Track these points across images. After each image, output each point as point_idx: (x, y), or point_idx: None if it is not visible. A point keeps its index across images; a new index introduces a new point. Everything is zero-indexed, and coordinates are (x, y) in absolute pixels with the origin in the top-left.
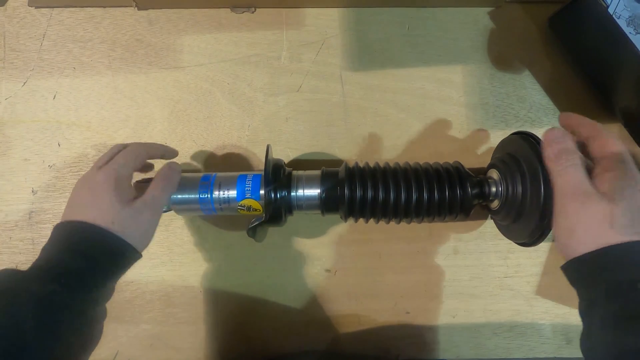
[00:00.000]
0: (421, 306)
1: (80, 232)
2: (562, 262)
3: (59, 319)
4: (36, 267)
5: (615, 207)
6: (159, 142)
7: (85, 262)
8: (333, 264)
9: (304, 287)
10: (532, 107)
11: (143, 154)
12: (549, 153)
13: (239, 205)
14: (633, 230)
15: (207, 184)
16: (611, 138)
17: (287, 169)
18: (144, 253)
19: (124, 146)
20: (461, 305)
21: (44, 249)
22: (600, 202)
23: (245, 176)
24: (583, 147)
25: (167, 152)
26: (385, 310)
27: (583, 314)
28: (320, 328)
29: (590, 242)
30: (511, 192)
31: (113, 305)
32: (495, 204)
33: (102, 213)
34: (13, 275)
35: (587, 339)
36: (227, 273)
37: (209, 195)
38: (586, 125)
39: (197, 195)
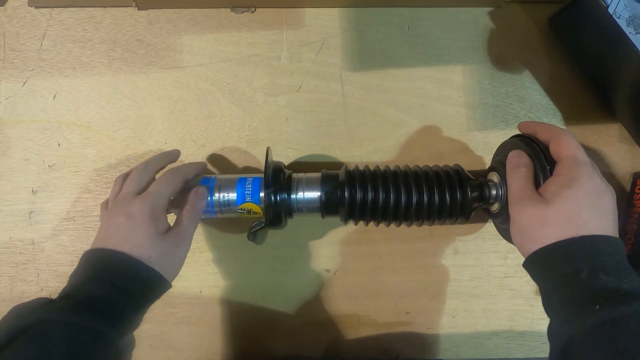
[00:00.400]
0: (421, 306)
1: (116, 263)
2: None
3: (91, 350)
4: (69, 295)
5: (548, 209)
6: (159, 142)
7: (120, 294)
8: (333, 264)
9: (303, 287)
10: (532, 107)
11: (179, 183)
12: (507, 170)
13: (239, 209)
14: (569, 227)
15: (207, 187)
16: (566, 141)
17: (287, 172)
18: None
19: (152, 165)
20: (461, 305)
21: (75, 275)
22: (537, 204)
23: (245, 179)
24: None
25: (200, 170)
26: (385, 310)
27: (544, 305)
28: (320, 328)
29: (535, 241)
30: None
31: None
32: (495, 207)
33: (140, 245)
34: (46, 304)
35: (550, 326)
36: (226, 273)
37: (208, 199)
38: (542, 130)
39: None
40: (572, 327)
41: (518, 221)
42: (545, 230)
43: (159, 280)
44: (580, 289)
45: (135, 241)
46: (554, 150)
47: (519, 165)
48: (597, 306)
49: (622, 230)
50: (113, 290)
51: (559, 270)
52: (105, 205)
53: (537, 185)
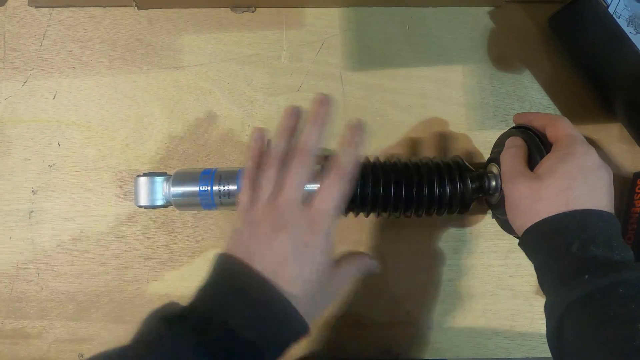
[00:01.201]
0: (421, 306)
1: (271, 305)
2: None
3: None
4: (209, 324)
5: (540, 184)
6: (159, 142)
7: (265, 345)
8: None
9: None
10: (532, 107)
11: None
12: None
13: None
14: (561, 202)
15: (207, 177)
16: (561, 123)
17: None
18: (144, 253)
19: (321, 128)
20: (461, 305)
21: (209, 286)
22: (528, 180)
23: None
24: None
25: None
26: (385, 310)
27: (540, 282)
28: (320, 328)
29: (527, 217)
30: None
31: (113, 305)
32: (495, 198)
33: (306, 280)
34: (185, 334)
35: (546, 303)
36: None
37: (209, 189)
38: (537, 118)
39: (198, 188)
40: (565, 299)
41: (510, 198)
42: (537, 205)
43: (304, 331)
44: (570, 261)
45: (305, 274)
46: (550, 133)
47: (512, 146)
48: (587, 276)
49: (623, 230)
50: (260, 337)
51: (550, 244)
52: (249, 198)
53: (534, 167)
